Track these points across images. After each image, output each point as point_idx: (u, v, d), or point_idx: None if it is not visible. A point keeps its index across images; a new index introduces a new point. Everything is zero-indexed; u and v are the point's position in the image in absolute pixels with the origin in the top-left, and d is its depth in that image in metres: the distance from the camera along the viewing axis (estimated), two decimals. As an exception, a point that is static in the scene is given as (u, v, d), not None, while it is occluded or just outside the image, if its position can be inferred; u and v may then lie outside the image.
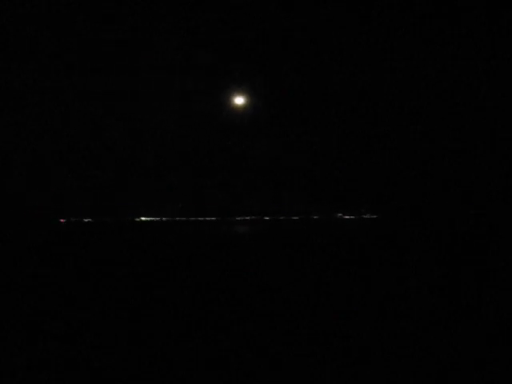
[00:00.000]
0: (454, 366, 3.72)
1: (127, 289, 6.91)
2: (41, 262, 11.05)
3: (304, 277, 8.20)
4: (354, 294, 6.53)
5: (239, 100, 13.13)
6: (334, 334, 4.48)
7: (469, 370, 3.61)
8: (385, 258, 11.22)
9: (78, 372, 3.62)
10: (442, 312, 5.43)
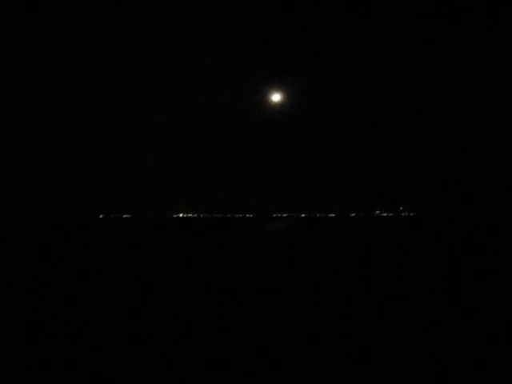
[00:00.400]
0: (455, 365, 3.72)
1: (128, 287, 6.93)
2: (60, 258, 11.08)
3: (343, 272, 8.20)
4: (391, 289, 6.58)
5: (276, 97, 13.33)
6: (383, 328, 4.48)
7: (469, 370, 3.62)
8: (424, 254, 11.20)
9: (77, 372, 3.62)
10: (489, 307, 5.43)
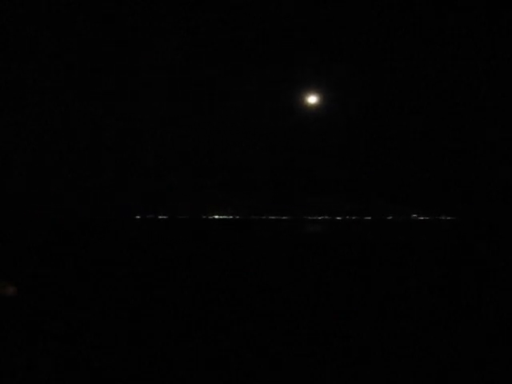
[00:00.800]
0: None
1: (128, 288, 6.92)
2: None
3: (379, 276, 8.10)
4: (425, 293, 6.53)
5: (312, 99, 13.09)
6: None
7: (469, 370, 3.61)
8: (463, 259, 10.93)
9: (78, 372, 3.62)
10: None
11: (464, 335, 4.41)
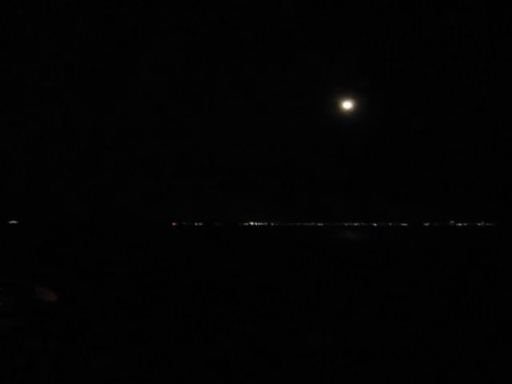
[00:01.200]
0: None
1: (128, 288, 6.92)
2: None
3: (413, 281, 7.98)
4: (461, 299, 6.46)
5: (347, 105, 13.36)
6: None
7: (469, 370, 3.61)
8: (502, 266, 10.67)
9: (78, 372, 3.62)
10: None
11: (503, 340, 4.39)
